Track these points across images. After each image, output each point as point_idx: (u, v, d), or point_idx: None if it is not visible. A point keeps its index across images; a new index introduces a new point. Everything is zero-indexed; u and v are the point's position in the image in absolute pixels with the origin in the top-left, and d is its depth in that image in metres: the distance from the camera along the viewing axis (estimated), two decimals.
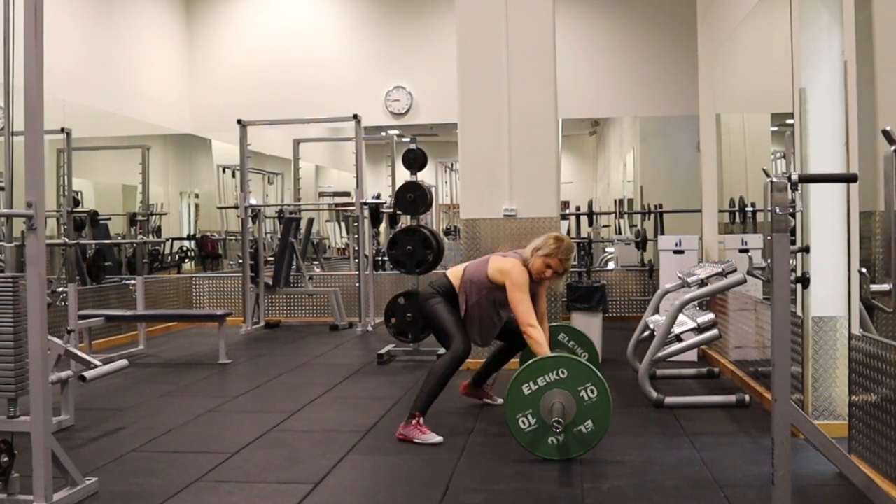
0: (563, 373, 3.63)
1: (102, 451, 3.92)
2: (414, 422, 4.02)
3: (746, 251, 5.61)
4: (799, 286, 3.81)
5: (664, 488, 3.24)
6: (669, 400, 4.62)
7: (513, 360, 4.86)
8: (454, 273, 4.37)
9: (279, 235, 9.51)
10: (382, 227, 9.42)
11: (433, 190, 9.93)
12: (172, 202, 10.28)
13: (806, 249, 3.79)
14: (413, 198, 6.58)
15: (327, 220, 12.63)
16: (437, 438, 3.98)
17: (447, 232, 11.80)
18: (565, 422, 3.58)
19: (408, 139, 10.59)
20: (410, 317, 6.36)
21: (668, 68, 8.95)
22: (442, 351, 4.48)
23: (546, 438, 3.63)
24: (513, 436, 3.68)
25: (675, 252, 6.36)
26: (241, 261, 8.95)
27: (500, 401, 4.76)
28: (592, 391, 3.61)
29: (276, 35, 9.94)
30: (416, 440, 3.98)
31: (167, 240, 9.93)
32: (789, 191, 2.62)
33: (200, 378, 5.92)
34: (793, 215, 3.87)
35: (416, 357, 6.47)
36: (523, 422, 3.65)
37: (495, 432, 4.19)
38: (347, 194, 10.84)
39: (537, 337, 4.04)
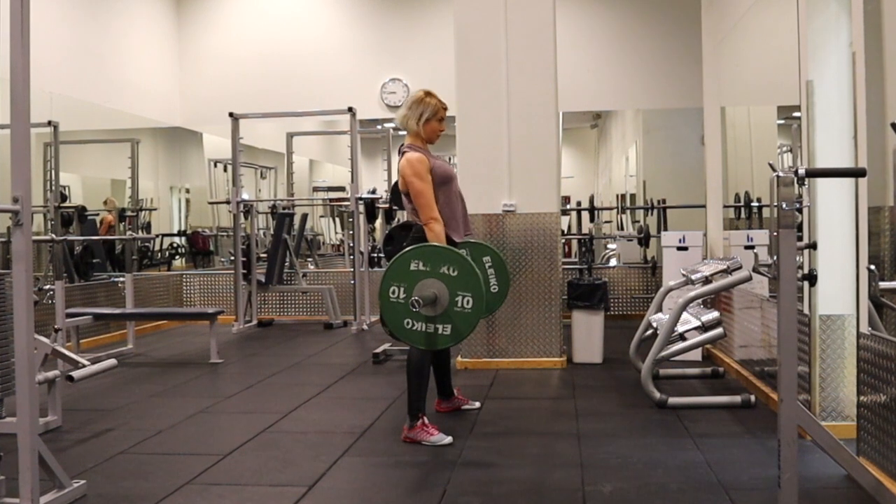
0: (453, 270, 3.66)
1: (90, 453, 3.92)
2: (419, 423, 3.99)
3: (752, 248, 5.62)
4: (806, 283, 3.81)
5: (667, 491, 3.24)
6: (673, 400, 4.62)
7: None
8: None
9: (272, 231, 9.51)
10: (378, 222, 9.41)
11: None
12: (162, 197, 10.27)
13: (813, 246, 3.79)
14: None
15: (321, 216, 12.63)
16: (447, 439, 3.96)
17: None
18: (426, 313, 3.64)
19: (404, 133, 10.59)
20: None
21: (671, 59, 8.96)
22: None
23: (403, 318, 3.70)
24: (379, 297, 3.76)
25: (679, 248, 6.36)
26: (232, 257, 8.94)
27: (478, 404, 4.76)
28: (468, 302, 3.65)
29: (269, 25, 9.94)
30: (424, 442, 3.95)
31: (157, 236, 9.92)
32: (796, 186, 2.62)
33: (191, 378, 5.92)
34: (800, 211, 3.89)
35: None
36: (394, 290, 3.72)
37: (493, 434, 4.20)
38: (342, 189, 10.83)
39: (438, 231, 4.02)
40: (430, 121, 4.23)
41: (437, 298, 3.64)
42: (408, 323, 3.70)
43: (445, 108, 4.32)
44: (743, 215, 6.28)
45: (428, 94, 4.28)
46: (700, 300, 5.11)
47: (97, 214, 8.71)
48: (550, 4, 5.99)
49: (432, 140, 4.31)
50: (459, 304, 3.65)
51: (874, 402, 3.25)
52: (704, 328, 4.87)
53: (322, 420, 4.60)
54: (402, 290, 3.69)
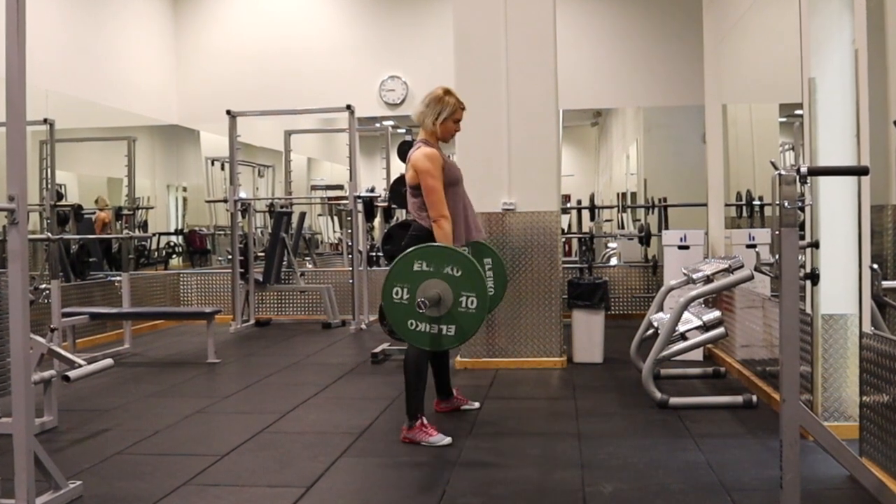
0: (457, 271, 3.66)
1: (87, 454, 3.92)
2: (418, 423, 3.99)
3: (754, 246, 5.62)
4: (808, 283, 3.82)
5: (669, 492, 3.24)
6: (674, 400, 4.62)
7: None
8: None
9: (270, 230, 9.50)
10: (377, 221, 9.41)
11: None
12: (159, 196, 10.27)
13: (815, 245, 3.79)
14: None
15: (319, 215, 12.63)
16: (446, 440, 3.96)
17: None
18: (431, 314, 3.64)
19: (403, 130, 10.62)
20: None
21: (672, 57, 8.96)
22: None
23: (407, 319, 3.69)
24: (381, 298, 3.74)
25: (680, 247, 6.36)
26: (230, 256, 8.94)
27: (477, 405, 4.76)
28: (472, 302, 3.65)
29: (267, 22, 9.93)
30: (423, 443, 3.95)
31: (154, 234, 9.92)
32: (798, 184, 2.62)
33: (188, 378, 5.92)
34: (802, 209, 3.89)
35: None
36: (397, 291, 3.70)
37: (493, 435, 4.20)
38: (340, 187, 10.83)
39: (447, 229, 4.02)
40: (446, 120, 4.24)
41: (441, 299, 3.65)
42: (411, 324, 3.70)
43: (463, 109, 4.34)
44: (744, 214, 6.29)
45: (447, 92, 4.29)
46: (701, 299, 5.11)
47: (94, 213, 8.71)
48: (551, 1, 5.99)
49: (447, 139, 4.33)
50: (464, 305, 3.65)
51: (877, 403, 3.25)
52: (706, 328, 4.87)
53: (320, 420, 4.60)
54: (405, 290, 3.68)
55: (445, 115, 4.23)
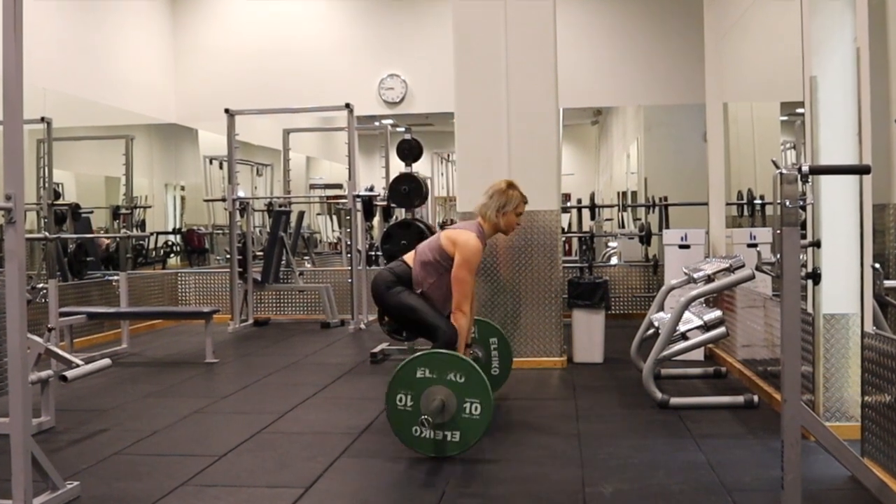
0: (461, 378, 3.67)
1: (84, 454, 3.92)
2: None
3: (755, 246, 5.62)
4: (810, 282, 3.82)
5: (669, 492, 3.24)
6: (675, 401, 4.62)
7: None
8: (410, 257, 4.33)
9: (268, 229, 9.50)
10: (376, 220, 9.41)
11: (429, 182, 9.92)
12: (157, 195, 10.27)
13: (817, 244, 3.79)
14: (408, 190, 6.57)
15: (318, 214, 12.63)
16: None
17: (443, 226, 11.80)
18: (435, 420, 3.65)
19: (402, 129, 10.61)
20: None
21: (673, 55, 8.95)
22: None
23: (411, 426, 3.70)
24: (385, 405, 3.75)
25: (681, 247, 6.37)
26: (228, 256, 8.94)
27: None
28: (476, 409, 3.67)
29: (265, 20, 9.92)
30: None
31: (152, 234, 9.91)
32: (800, 183, 2.62)
33: (186, 378, 5.92)
34: (803, 208, 3.89)
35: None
36: (401, 398, 3.71)
37: (492, 435, 4.20)
38: (339, 186, 10.84)
39: (464, 326, 4.09)
40: (509, 213, 4.35)
41: (444, 406, 3.66)
42: (416, 430, 3.71)
43: (526, 202, 4.45)
44: (746, 213, 6.29)
45: (510, 185, 4.40)
46: (702, 299, 5.11)
47: (91, 212, 8.70)
48: None
49: (508, 232, 4.47)
50: (468, 411, 3.67)
51: (879, 403, 3.25)
52: (707, 327, 4.87)
53: (319, 420, 4.60)
54: (409, 397, 3.70)
55: (509, 208, 4.35)
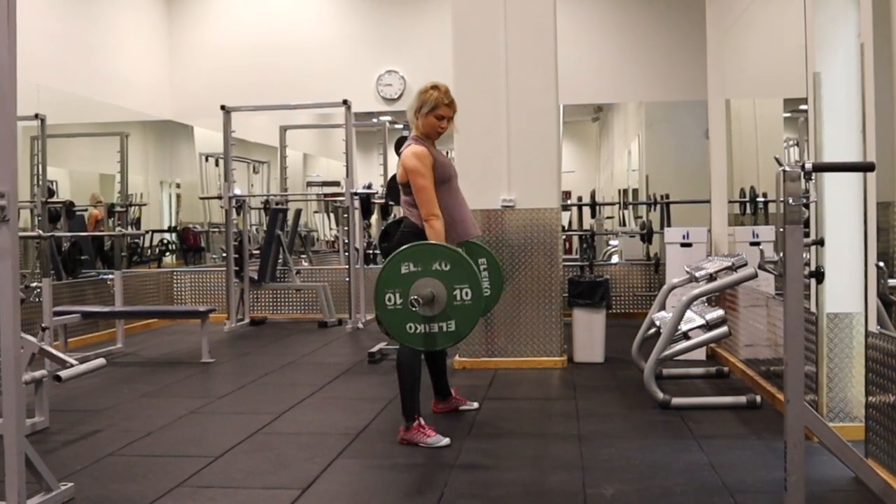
0: (445, 265, 3.66)
1: (79, 455, 3.91)
2: (415, 424, 3.98)
3: (758, 244, 5.62)
4: (813, 281, 3.81)
5: (671, 494, 3.24)
6: (676, 401, 4.62)
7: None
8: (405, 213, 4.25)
9: (265, 227, 9.50)
10: (373, 218, 9.41)
11: None
12: (152, 192, 10.27)
13: (820, 242, 3.79)
14: None
15: (315, 212, 12.63)
16: (444, 441, 3.95)
17: None
18: (427, 313, 3.65)
19: (400, 126, 10.59)
20: None
21: (674, 51, 8.95)
22: None
23: (405, 323, 3.70)
24: (375, 308, 3.76)
25: (683, 245, 6.36)
26: (224, 254, 8.93)
27: (476, 405, 4.75)
28: (467, 294, 3.66)
29: (262, 16, 9.92)
30: (421, 444, 3.94)
31: (147, 232, 9.91)
32: (803, 180, 2.62)
33: (182, 378, 5.91)
34: (806, 206, 3.88)
35: None
36: (389, 298, 3.71)
37: (492, 436, 4.20)
38: (337, 184, 10.83)
39: (438, 228, 3.98)
40: (427, 115, 4.14)
41: (434, 297, 3.64)
42: (410, 327, 3.70)
43: (448, 105, 4.17)
44: (748, 211, 6.29)
45: (434, 86, 4.17)
46: (704, 298, 5.11)
47: (85, 210, 8.70)
48: None
49: (430, 136, 4.19)
50: (459, 298, 3.65)
51: (883, 403, 3.25)
52: (709, 327, 4.87)
53: (316, 421, 4.60)
54: (397, 295, 3.69)
55: (426, 109, 4.13)
